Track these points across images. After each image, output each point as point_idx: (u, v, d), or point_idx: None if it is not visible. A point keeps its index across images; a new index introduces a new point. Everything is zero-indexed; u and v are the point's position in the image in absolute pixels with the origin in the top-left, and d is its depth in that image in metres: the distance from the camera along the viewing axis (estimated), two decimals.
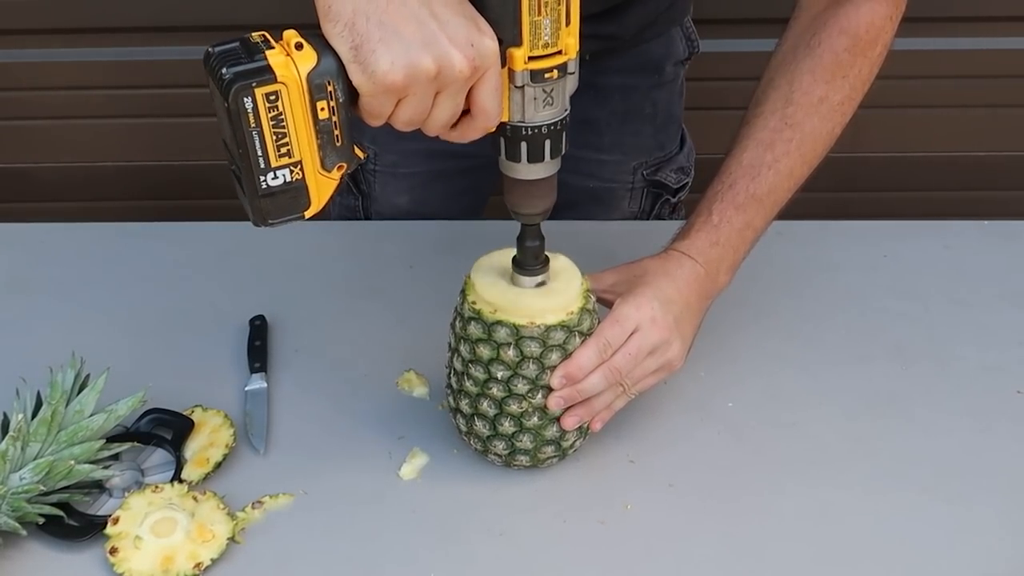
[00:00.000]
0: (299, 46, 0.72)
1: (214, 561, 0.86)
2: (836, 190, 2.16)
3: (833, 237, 1.26)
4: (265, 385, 1.04)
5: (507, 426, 0.90)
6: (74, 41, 2.02)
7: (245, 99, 0.71)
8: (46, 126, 2.13)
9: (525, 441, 0.91)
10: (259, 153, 0.73)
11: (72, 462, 0.87)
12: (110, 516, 0.88)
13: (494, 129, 0.80)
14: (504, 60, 0.77)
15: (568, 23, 0.77)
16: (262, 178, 0.74)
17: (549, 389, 0.89)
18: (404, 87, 0.72)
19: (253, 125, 0.72)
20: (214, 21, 1.89)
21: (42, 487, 0.87)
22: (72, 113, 2.10)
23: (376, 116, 0.75)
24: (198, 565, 0.86)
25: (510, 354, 0.87)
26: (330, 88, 0.73)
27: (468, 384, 0.90)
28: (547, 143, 0.82)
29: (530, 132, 0.81)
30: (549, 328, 0.87)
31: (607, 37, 1.19)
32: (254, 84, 0.71)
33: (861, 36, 0.98)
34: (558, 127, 0.81)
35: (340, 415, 1.02)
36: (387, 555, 0.89)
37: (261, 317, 1.12)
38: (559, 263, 0.91)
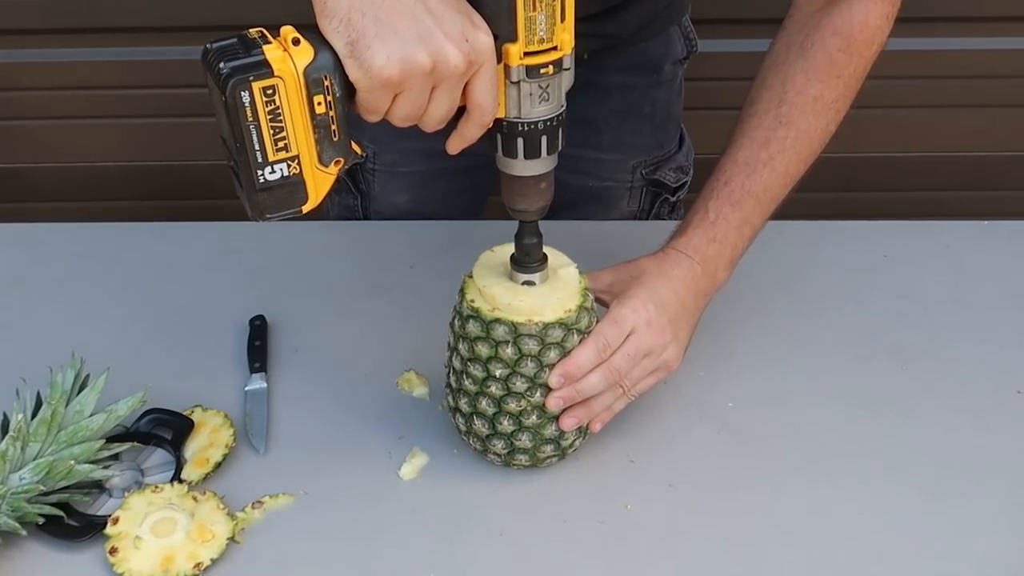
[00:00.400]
0: (296, 41, 0.72)
1: (214, 561, 0.86)
2: (836, 190, 2.16)
3: (832, 237, 1.26)
4: (265, 385, 1.04)
5: (506, 425, 0.90)
6: (74, 41, 2.02)
7: (242, 93, 0.72)
8: (46, 126, 2.13)
9: (524, 440, 0.91)
10: (256, 147, 0.74)
11: (72, 462, 0.87)
12: (110, 516, 0.88)
13: (491, 125, 0.81)
14: (500, 56, 0.77)
15: (563, 19, 0.77)
16: (259, 172, 0.75)
17: (548, 388, 0.89)
18: (400, 82, 0.73)
19: (250, 119, 0.73)
20: (215, 21, 1.89)
21: (42, 487, 0.87)
22: (72, 113, 2.10)
23: (373, 111, 0.76)
24: (198, 565, 0.86)
25: (508, 352, 0.87)
26: (327, 83, 0.73)
27: (467, 383, 0.90)
28: (544, 139, 0.82)
29: (526, 128, 0.81)
30: (547, 326, 0.87)
31: (606, 36, 1.19)
32: (251, 78, 0.71)
33: (855, 36, 0.98)
34: (554, 123, 0.82)
35: (340, 415, 1.02)
36: (387, 555, 0.89)
37: (261, 317, 1.12)
38: (558, 260, 0.91)
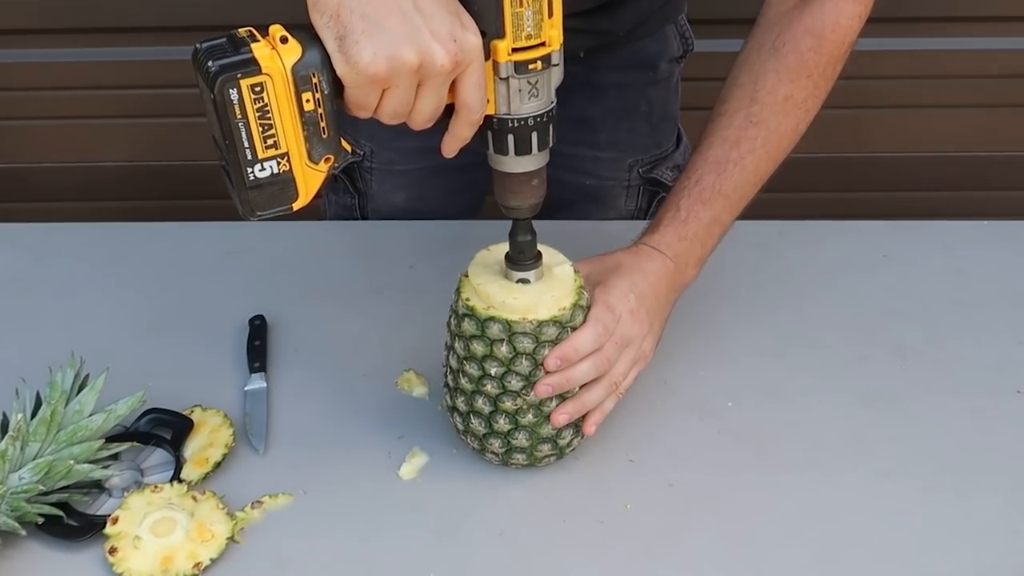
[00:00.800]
0: (284, 39, 0.73)
1: (213, 561, 0.86)
2: (836, 190, 2.17)
3: (833, 237, 1.26)
4: (264, 385, 1.04)
5: (502, 423, 0.90)
6: (74, 41, 2.02)
7: (231, 91, 0.72)
8: (46, 126, 2.13)
9: (521, 439, 0.91)
10: (246, 145, 0.75)
11: (71, 462, 0.87)
12: (109, 516, 0.88)
13: (481, 122, 0.81)
14: (488, 53, 0.78)
15: (551, 15, 0.78)
16: (249, 170, 0.76)
17: None
18: (386, 78, 0.74)
19: (239, 116, 0.73)
20: (214, 21, 1.89)
21: (41, 487, 0.87)
22: (72, 113, 2.10)
23: (361, 107, 0.77)
24: (197, 565, 0.86)
25: (503, 350, 0.88)
26: (315, 80, 0.74)
27: (463, 381, 0.91)
28: (534, 135, 0.83)
29: (516, 124, 0.82)
30: (542, 323, 0.87)
31: (601, 33, 1.19)
32: (239, 76, 0.72)
33: (826, 36, 0.99)
34: (544, 119, 0.82)
35: (339, 415, 1.02)
36: (386, 555, 0.89)
37: (261, 317, 1.12)
38: (553, 259, 0.91)
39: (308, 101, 0.74)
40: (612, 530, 0.91)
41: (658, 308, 0.97)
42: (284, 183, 0.77)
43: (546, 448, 0.92)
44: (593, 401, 0.92)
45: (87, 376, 0.93)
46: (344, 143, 0.78)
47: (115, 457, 0.93)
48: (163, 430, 0.97)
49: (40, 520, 0.87)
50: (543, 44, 0.79)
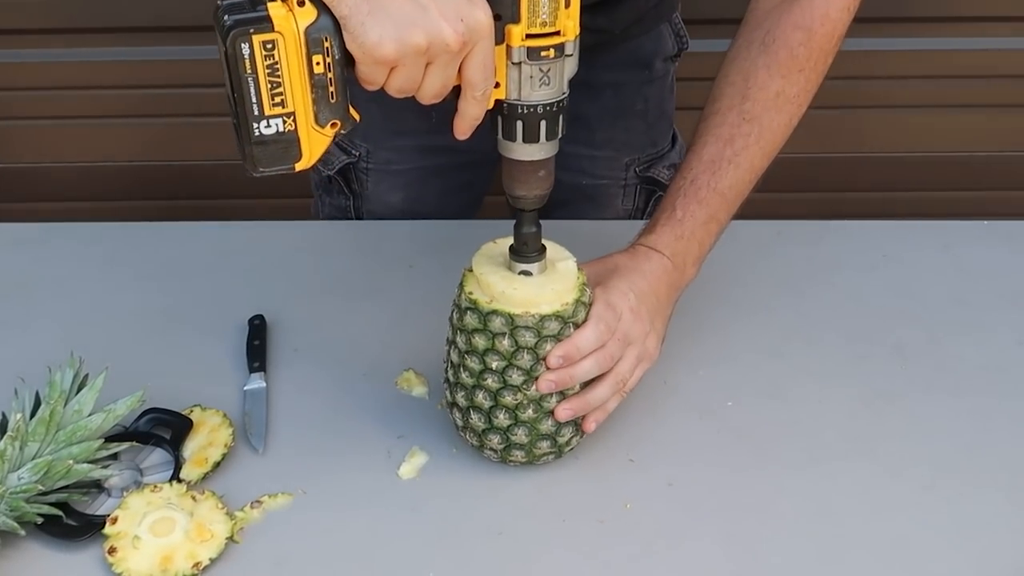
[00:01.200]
0: (301, 2, 0.75)
1: (213, 561, 0.86)
2: (836, 190, 2.17)
3: (833, 237, 1.26)
4: (264, 385, 1.04)
5: (502, 419, 0.90)
6: (74, 41, 2.03)
7: (242, 45, 0.74)
8: (46, 126, 2.13)
9: (520, 435, 0.91)
10: (253, 100, 0.76)
11: (71, 462, 0.87)
12: (109, 516, 0.88)
13: (491, 106, 0.82)
14: (503, 37, 0.78)
15: (568, 5, 0.79)
16: (255, 125, 0.77)
17: None
18: (394, 60, 0.75)
19: (249, 71, 0.75)
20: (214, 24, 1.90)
21: (40, 487, 0.87)
22: (72, 113, 2.10)
23: (369, 82, 0.78)
24: (197, 565, 0.85)
25: (505, 344, 0.88)
26: (327, 44, 0.75)
27: (464, 376, 0.91)
28: (543, 123, 0.83)
29: (525, 111, 0.82)
30: (544, 318, 0.87)
31: (597, 31, 1.19)
32: (252, 31, 0.74)
33: (816, 30, 0.99)
34: (554, 109, 0.83)
35: (339, 414, 1.02)
36: (386, 554, 0.89)
37: (260, 317, 1.12)
38: (557, 254, 0.92)
39: (318, 64, 0.76)
40: (612, 530, 0.91)
41: (659, 307, 0.97)
42: (288, 143, 0.79)
43: (545, 446, 0.92)
44: (599, 399, 0.92)
45: (86, 376, 0.93)
46: (352, 111, 0.79)
47: (114, 457, 0.93)
48: (162, 430, 0.97)
49: (39, 520, 0.87)
50: (558, 33, 0.79)
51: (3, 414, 0.92)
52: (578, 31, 0.80)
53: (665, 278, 0.98)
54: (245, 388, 1.04)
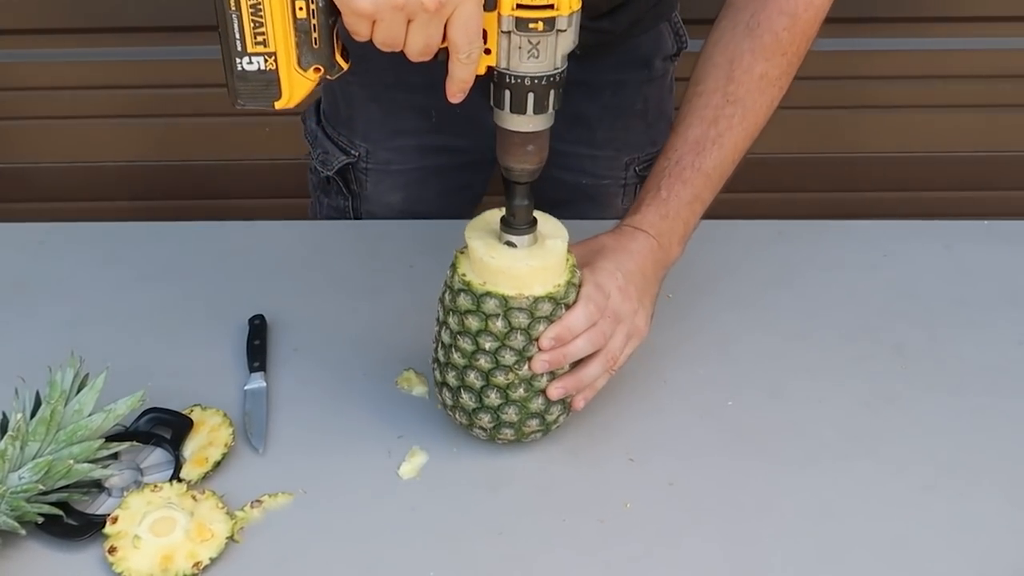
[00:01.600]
0: None
1: (213, 560, 0.86)
2: (836, 190, 2.16)
3: (833, 237, 1.26)
4: (264, 384, 1.04)
5: (493, 398, 0.91)
6: (74, 41, 2.02)
7: None
8: (46, 126, 2.13)
9: (511, 413, 0.91)
10: (236, 36, 0.79)
11: (71, 461, 0.87)
12: (109, 515, 0.88)
13: (483, 72, 0.82)
14: (495, 2, 0.79)
15: None
16: (237, 60, 0.80)
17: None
18: (371, 13, 0.76)
19: (233, 8, 0.78)
20: (214, 21, 1.90)
21: (41, 486, 0.87)
22: (72, 113, 2.10)
23: (355, 33, 0.79)
24: (197, 564, 0.85)
25: (498, 325, 0.88)
26: None
27: (455, 356, 0.91)
28: (530, 96, 0.83)
29: (513, 81, 0.82)
30: (537, 300, 0.88)
31: (600, 32, 1.20)
32: None
33: (800, 15, 1.00)
34: (543, 82, 0.82)
35: (339, 414, 1.02)
36: (386, 554, 0.89)
37: (260, 316, 1.12)
38: (550, 230, 0.92)
39: (301, 10, 0.78)
40: (612, 529, 0.91)
41: (646, 285, 0.98)
42: (268, 81, 0.81)
43: (534, 423, 0.93)
44: (591, 376, 0.93)
45: (87, 376, 0.93)
46: (340, 59, 0.81)
47: (115, 457, 0.93)
48: (163, 429, 0.97)
49: (40, 520, 0.87)
50: (551, 7, 0.79)
51: (3, 414, 0.92)
52: (575, 7, 0.80)
53: (651, 257, 0.99)
54: (245, 388, 1.04)
